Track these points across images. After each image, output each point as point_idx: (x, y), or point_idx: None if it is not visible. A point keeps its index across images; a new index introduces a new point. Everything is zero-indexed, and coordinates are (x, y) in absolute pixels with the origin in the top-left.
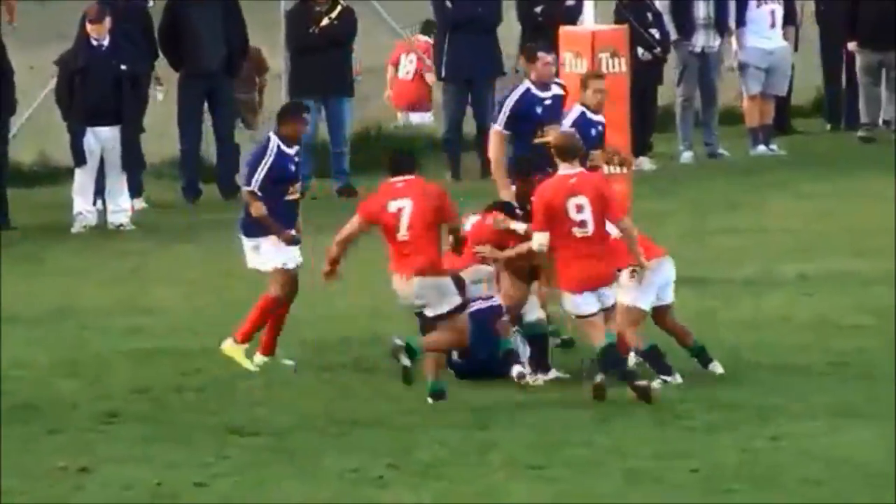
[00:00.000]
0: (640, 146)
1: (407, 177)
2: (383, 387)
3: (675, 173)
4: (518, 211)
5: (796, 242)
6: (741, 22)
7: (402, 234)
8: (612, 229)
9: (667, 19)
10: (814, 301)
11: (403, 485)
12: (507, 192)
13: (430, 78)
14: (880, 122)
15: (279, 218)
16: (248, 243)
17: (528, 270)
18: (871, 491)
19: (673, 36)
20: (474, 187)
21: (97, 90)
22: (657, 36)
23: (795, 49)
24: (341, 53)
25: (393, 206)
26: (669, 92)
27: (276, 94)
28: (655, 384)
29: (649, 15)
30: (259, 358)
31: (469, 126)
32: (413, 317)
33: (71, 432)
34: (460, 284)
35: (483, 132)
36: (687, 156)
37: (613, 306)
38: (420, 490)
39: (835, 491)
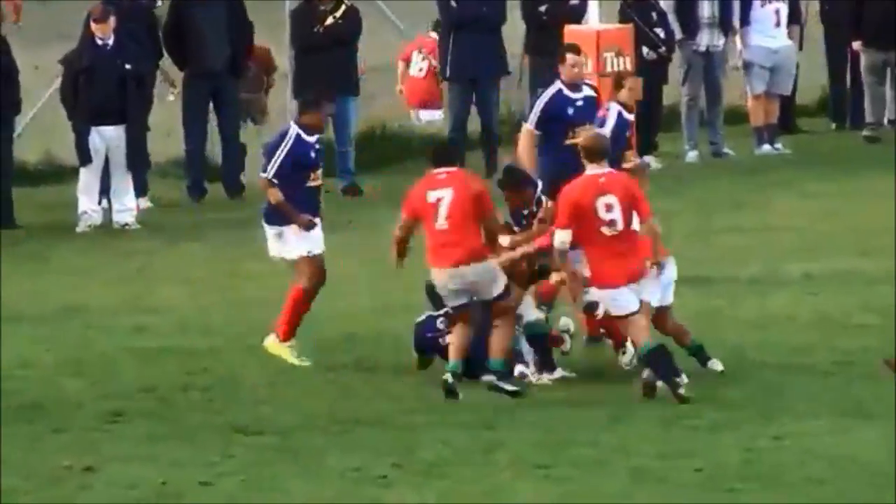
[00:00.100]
0: (646, 145)
1: (449, 168)
2: (387, 386)
3: (680, 172)
4: (514, 227)
5: (801, 242)
6: (746, 21)
7: (441, 223)
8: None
9: (671, 18)
10: (819, 300)
11: (407, 484)
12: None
13: None
14: (885, 121)
15: (300, 204)
16: (269, 231)
17: (528, 275)
18: (875, 490)
19: (678, 35)
20: None
21: (102, 90)
22: (662, 35)
23: (800, 48)
24: (346, 52)
25: (432, 196)
26: (674, 91)
27: (280, 93)
28: (659, 383)
29: (654, 14)
30: (271, 339)
31: (473, 125)
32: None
33: (76, 431)
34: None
35: (488, 131)
36: (692, 155)
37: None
38: (423, 489)
39: (838, 490)
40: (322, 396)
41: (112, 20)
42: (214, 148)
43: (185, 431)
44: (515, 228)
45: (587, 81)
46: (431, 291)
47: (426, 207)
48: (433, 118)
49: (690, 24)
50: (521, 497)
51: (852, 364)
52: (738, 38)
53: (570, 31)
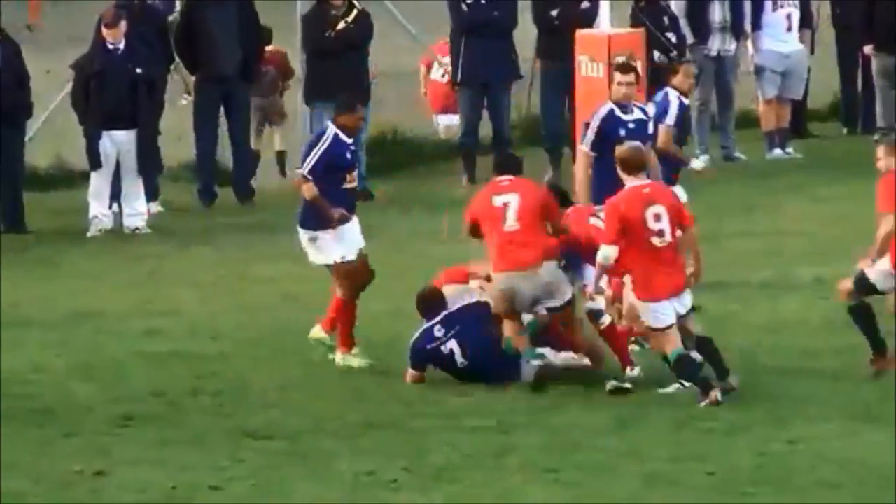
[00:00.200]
0: None
1: (512, 176)
2: (398, 390)
3: (691, 176)
4: None
5: (812, 246)
6: (757, 25)
7: (511, 224)
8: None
9: (683, 23)
10: (830, 304)
11: (417, 488)
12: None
13: None
14: None
15: (336, 206)
16: (304, 236)
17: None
18: (887, 493)
19: (689, 39)
20: None
21: (113, 94)
22: (673, 39)
23: (812, 52)
24: (357, 57)
25: (498, 200)
26: None
27: (292, 97)
28: (672, 389)
29: (665, 18)
30: (316, 329)
31: (485, 129)
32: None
33: (86, 436)
34: None
35: (499, 136)
36: (703, 159)
37: (690, 313)
38: (433, 493)
39: (850, 494)
40: (332, 400)
41: (123, 25)
42: (225, 152)
43: (195, 435)
44: None
45: (639, 104)
46: (423, 303)
47: (492, 211)
48: (452, 122)
49: (702, 28)
50: (531, 501)
51: (863, 368)
52: (749, 43)
53: (582, 36)
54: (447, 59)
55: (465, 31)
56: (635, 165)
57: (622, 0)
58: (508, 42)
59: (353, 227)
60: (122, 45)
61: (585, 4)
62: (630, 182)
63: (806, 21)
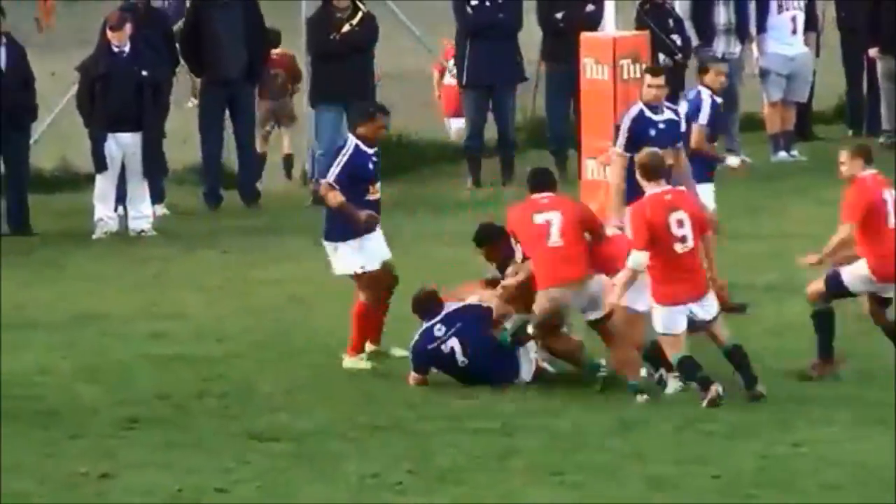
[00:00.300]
0: None
1: (549, 193)
2: (403, 392)
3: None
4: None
5: (817, 248)
6: (762, 28)
7: (555, 240)
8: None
9: (688, 25)
10: (837, 305)
11: (422, 490)
12: (619, 216)
13: None
14: None
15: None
16: (328, 247)
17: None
18: (891, 496)
19: (694, 42)
20: (495, 194)
21: (118, 96)
22: (678, 42)
23: (817, 55)
24: (362, 60)
25: (539, 218)
26: None
27: (298, 100)
28: (670, 389)
29: (670, 21)
30: (345, 358)
31: (490, 132)
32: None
33: (92, 438)
34: None
35: (504, 138)
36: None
37: (716, 320)
38: (438, 495)
39: (854, 496)
40: (337, 403)
41: (128, 27)
42: (231, 155)
43: (201, 438)
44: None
45: (669, 105)
46: (419, 305)
47: (533, 229)
48: (463, 126)
49: (706, 30)
50: (535, 503)
51: (867, 371)
52: (754, 46)
53: (587, 38)
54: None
55: (470, 34)
56: (655, 171)
57: (627, 1)
58: (513, 44)
59: (376, 238)
60: (127, 48)
61: (590, 7)
62: (650, 188)
63: (811, 24)
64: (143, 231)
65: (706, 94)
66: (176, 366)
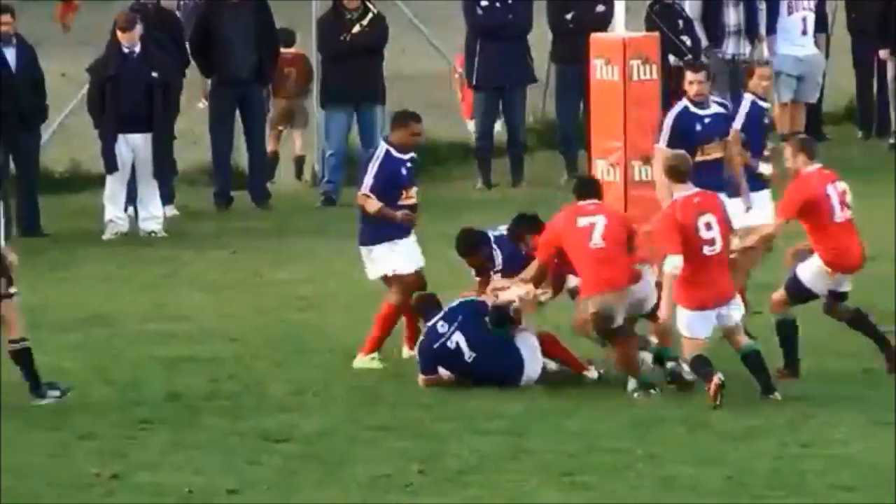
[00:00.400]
0: None
1: (594, 200)
2: (413, 393)
3: None
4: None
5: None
6: (772, 29)
7: (597, 242)
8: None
9: (697, 26)
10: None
11: (433, 491)
12: None
13: None
14: None
15: (397, 225)
16: (362, 251)
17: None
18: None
19: (704, 43)
20: (505, 195)
21: (129, 97)
22: (688, 43)
23: (827, 56)
24: (373, 60)
25: (583, 221)
26: None
27: (309, 100)
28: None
29: (680, 22)
30: (406, 351)
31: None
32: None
33: (103, 439)
34: None
35: (514, 139)
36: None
37: (738, 325)
38: (449, 496)
39: (864, 496)
40: (348, 404)
41: (138, 28)
42: (241, 156)
43: (211, 439)
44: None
45: (717, 99)
46: (418, 306)
47: (577, 231)
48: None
49: (716, 31)
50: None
51: (878, 371)
52: (764, 46)
53: (597, 39)
54: None
55: (480, 35)
56: (683, 173)
57: (637, 1)
58: (523, 45)
59: (409, 243)
60: (137, 49)
61: (600, 7)
62: (678, 191)
63: (821, 25)
64: (153, 232)
65: (747, 99)
66: (186, 366)
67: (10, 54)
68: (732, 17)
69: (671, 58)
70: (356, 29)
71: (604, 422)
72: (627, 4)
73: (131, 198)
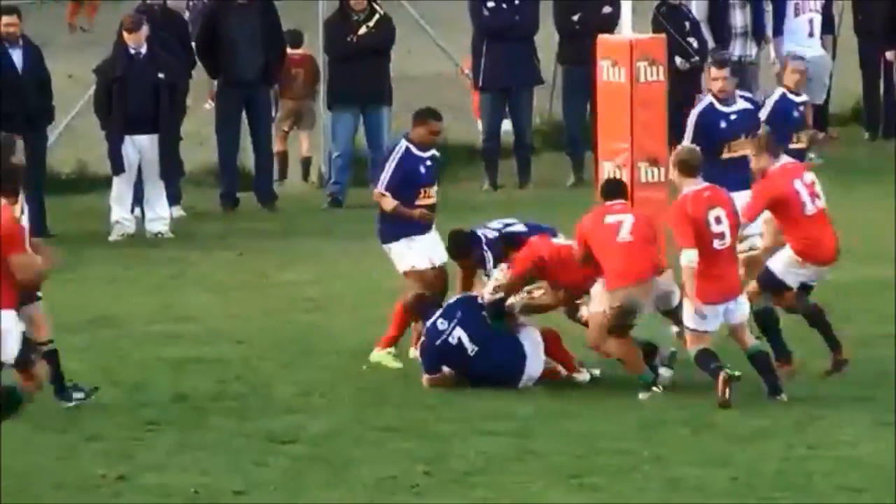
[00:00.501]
0: None
1: (622, 201)
2: (419, 394)
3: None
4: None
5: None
6: (779, 31)
7: (624, 235)
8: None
9: (704, 27)
10: (850, 309)
11: (439, 492)
12: None
13: None
14: None
15: (415, 222)
16: (384, 248)
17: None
18: None
19: (710, 44)
20: (512, 196)
21: (135, 99)
22: (695, 45)
23: (833, 58)
24: (380, 62)
25: (610, 219)
26: None
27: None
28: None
29: (687, 23)
30: (413, 352)
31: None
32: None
33: (109, 440)
34: None
35: (520, 140)
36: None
37: (744, 324)
38: (455, 497)
39: (872, 498)
40: (354, 405)
41: (145, 29)
42: (248, 157)
43: (218, 440)
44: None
45: (744, 94)
46: (416, 307)
47: (604, 228)
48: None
49: (723, 33)
50: None
51: (885, 373)
52: (771, 48)
53: (603, 40)
54: None
55: (487, 36)
56: (693, 168)
57: (644, 1)
58: (530, 46)
59: (427, 239)
60: (144, 50)
61: (607, 9)
62: (689, 185)
63: (828, 26)
64: (159, 233)
65: (777, 93)
66: (193, 368)
67: (17, 55)
68: (739, 18)
69: (678, 59)
70: (363, 30)
71: (610, 423)
72: (634, 6)
73: (138, 199)
